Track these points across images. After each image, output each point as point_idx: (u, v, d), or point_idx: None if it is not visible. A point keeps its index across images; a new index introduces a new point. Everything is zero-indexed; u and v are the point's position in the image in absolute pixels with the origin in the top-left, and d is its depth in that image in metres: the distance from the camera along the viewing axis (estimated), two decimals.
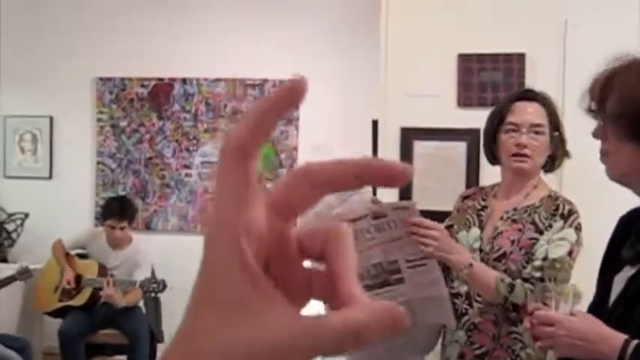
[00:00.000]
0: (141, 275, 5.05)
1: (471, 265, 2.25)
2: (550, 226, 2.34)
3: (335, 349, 0.38)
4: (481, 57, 3.66)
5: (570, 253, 2.30)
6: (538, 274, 2.27)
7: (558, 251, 2.29)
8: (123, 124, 6.22)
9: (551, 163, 2.46)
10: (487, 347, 2.36)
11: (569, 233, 2.32)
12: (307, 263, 0.43)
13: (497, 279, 2.25)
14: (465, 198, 2.59)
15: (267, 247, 0.41)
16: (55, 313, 5.29)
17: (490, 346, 2.36)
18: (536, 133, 2.38)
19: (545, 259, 2.29)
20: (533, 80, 3.54)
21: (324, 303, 0.42)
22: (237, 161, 0.40)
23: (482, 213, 2.48)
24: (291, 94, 0.40)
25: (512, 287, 2.25)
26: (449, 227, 2.50)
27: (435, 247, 2.15)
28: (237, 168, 0.40)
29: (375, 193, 3.01)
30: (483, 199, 2.51)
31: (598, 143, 1.76)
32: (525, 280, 2.28)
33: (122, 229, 5.14)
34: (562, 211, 2.35)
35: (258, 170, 0.41)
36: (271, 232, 0.41)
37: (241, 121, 0.40)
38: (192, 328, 0.41)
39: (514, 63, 3.63)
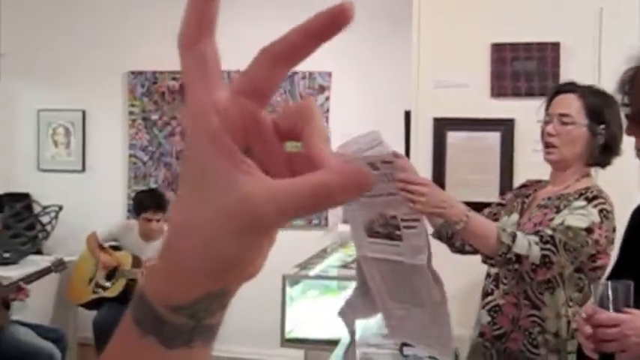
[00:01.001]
0: None
1: (467, 216, 2.10)
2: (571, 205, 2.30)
3: (305, 210, 0.39)
4: (514, 46, 3.63)
5: (589, 231, 2.21)
6: (549, 232, 2.18)
7: (575, 221, 2.21)
8: (154, 117, 6.26)
9: (598, 157, 2.39)
10: (506, 329, 2.36)
11: (592, 212, 2.24)
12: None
13: (498, 228, 2.15)
14: (522, 187, 2.61)
15: (242, 129, 0.42)
16: (90, 305, 5.35)
17: (509, 328, 2.35)
18: (563, 123, 2.35)
19: (560, 224, 2.21)
20: (568, 70, 3.50)
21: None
22: (187, 48, 0.42)
23: (526, 200, 2.49)
24: None
25: (514, 236, 2.13)
26: (499, 204, 2.56)
27: (423, 203, 1.94)
28: (190, 53, 0.42)
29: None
30: (535, 190, 2.51)
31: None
32: (535, 233, 2.20)
33: (158, 221, 5.18)
34: (587, 195, 2.31)
35: (217, 53, 0.43)
36: (244, 115, 0.42)
37: (182, 21, 0.43)
38: (177, 209, 0.43)
39: (548, 52, 3.59)
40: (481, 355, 2.44)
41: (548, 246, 2.14)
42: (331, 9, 0.40)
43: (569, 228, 2.19)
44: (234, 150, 0.40)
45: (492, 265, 2.30)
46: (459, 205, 2.12)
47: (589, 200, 2.28)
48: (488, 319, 2.41)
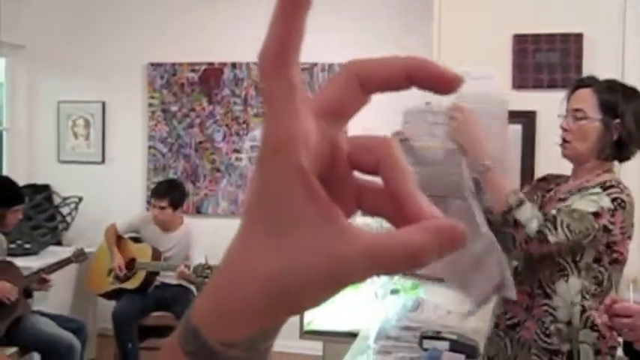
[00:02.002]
0: (195, 255, 5.11)
1: (489, 160, 2.17)
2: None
3: (395, 269, 0.37)
4: (536, 37, 3.58)
5: (596, 215, 2.20)
6: (553, 212, 2.21)
7: (583, 205, 2.23)
8: (174, 108, 6.27)
9: (615, 152, 2.37)
10: (520, 318, 2.36)
11: (603, 199, 2.24)
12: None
13: (511, 188, 2.22)
14: (541, 180, 2.60)
15: (320, 158, 0.39)
16: (109, 295, 5.39)
17: (523, 317, 2.36)
18: (575, 118, 2.34)
19: (567, 206, 2.23)
20: (592, 61, 3.45)
21: (372, 217, 0.41)
22: (276, 75, 0.38)
23: (546, 195, 2.49)
24: None
25: (521, 202, 2.18)
26: None
27: (454, 128, 2.13)
28: (280, 82, 0.37)
29: None
30: (557, 184, 2.50)
31: None
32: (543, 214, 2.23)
33: (162, 208, 5.18)
34: (605, 185, 2.29)
35: (301, 77, 0.38)
36: (323, 142, 0.39)
37: (267, 36, 0.38)
38: (244, 248, 0.39)
39: (571, 43, 3.54)
40: (495, 345, 2.44)
41: (547, 224, 2.17)
42: (440, 72, 0.39)
43: (574, 210, 2.21)
44: (323, 195, 0.38)
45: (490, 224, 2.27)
46: (486, 148, 2.19)
47: (604, 189, 2.28)
48: (503, 309, 2.42)
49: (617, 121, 2.33)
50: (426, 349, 2.54)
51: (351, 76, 0.39)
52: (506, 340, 2.41)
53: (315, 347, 3.88)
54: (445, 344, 2.52)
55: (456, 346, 2.51)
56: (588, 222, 2.19)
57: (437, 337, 2.56)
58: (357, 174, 0.41)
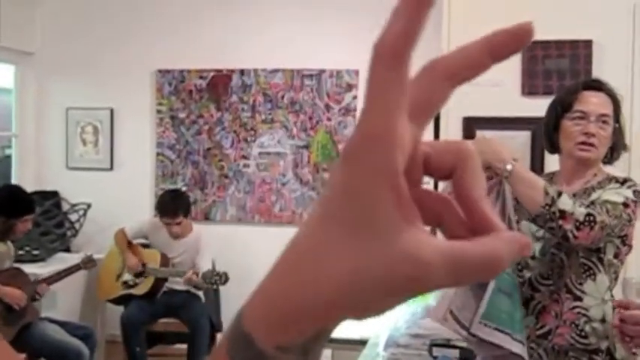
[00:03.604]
0: (203, 261, 5.11)
1: (515, 159, 2.16)
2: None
3: (473, 277, 0.37)
4: (546, 44, 3.58)
5: (626, 206, 2.23)
6: (586, 203, 2.21)
7: (612, 196, 2.24)
8: (182, 115, 6.28)
9: (610, 155, 2.43)
10: (550, 326, 2.35)
11: (626, 192, 2.28)
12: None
13: (545, 182, 2.21)
14: None
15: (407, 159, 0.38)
16: (118, 301, 5.39)
17: (553, 324, 2.35)
18: (604, 122, 2.35)
19: (597, 199, 2.24)
20: (601, 68, 3.45)
21: (430, 227, 0.40)
22: (391, 67, 0.36)
23: None
24: None
25: (560, 193, 2.16)
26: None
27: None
28: (393, 74, 0.36)
29: None
30: (550, 179, 2.49)
31: None
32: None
33: (178, 224, 5.19)
34: (617, 179, 2.35)
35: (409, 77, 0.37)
36: (410, 142, 0.38)
37: (387, 26, 0.36)
38: (318, 244, 0.38)
39: (580, 50, 3.54)
40: (529, 357, 2.42)
41: (591, 207, 2.17)
42: (512, 28, 0.38)
43: (606, 201, 2.22)
44: (409, 199, 0.37)
45: (534, 221, 2.25)
46: (504, 151, 2.17)
47: (621, 183, 2.33)
48: (533, 320, 2.40)
49: (617, 125, 2.39)
50: (435, 357, 2.53)
51: (435, 70, 0.39)
52: (539, 351, 2.39)
53: (324, 354, 3.85)
54: (455, 352, 2.51)
55: (465, 354, 2.50)
56: (619, 210, 2.22)
57: (447, 344, 2.55)
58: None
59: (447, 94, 0.39)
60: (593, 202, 2.21)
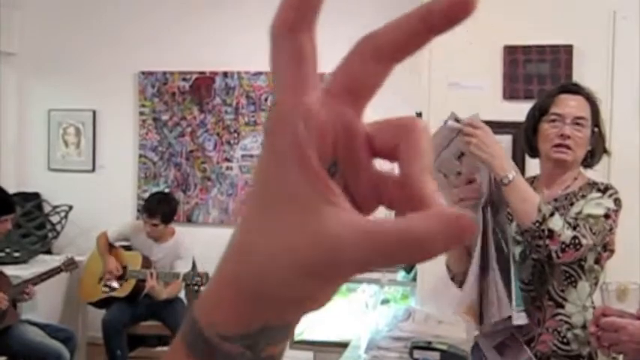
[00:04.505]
0: (182, 267, 5.09)
1: (515, 171, 2.19)
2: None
3: (393, 258, 0.33)
4: (527, 49, 3.61)
5: (607, 217, 2.26)
6: (570, 220, 2.22)
7: (593, 209, 2.26)
8: (165, 117, 6.26)
9: (590, 159, 2.44)
10: (533, 333, 2.35)
11: (607, 201, 2.30)
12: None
13: (540, 199, 2.23)
14: None
15: (333, 140, 0.36)
16: (99, 304, 5.37)
17: (536, 331, 2.35)
18: (579, 125, 2.36)
19: (579, 213, 2.26)
20: (581, 72, 3.47)
21: (396, 213, 0.37)
22: (282, 37, 0.35)
23: None
24: None
25: (553, 212, 2.18)
26: None
27: (474, 143, 2.15)
28: (284, 44, 0.35)
29: None
30: (531, 183, 2.50)
31: None
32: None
33: (154, 225, 5.16)
34: (599, 187, 2.37)
35: (316, 48, 0.35)
36: (337, 123, 0.36)
37: (280, 2, 0.35)
38: (241, 231, 0.37)
39: (561, 55, 3.57)
40: None
41: (578, 229, 2.19)
42: (453, 1, 0.35)
43: (589, 215, 2.24)
44: (322, 175, 0.34)
45: (521, 235, 2.29)
46: (508, 160, 2.23)
47: (602, 191, 2.34)
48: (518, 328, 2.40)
49: (596, 129, 2.40)
50: (416, 359, 2.54)
51: (364, 48, 0.36)
52: None
53: (306, 357, 3.86)
54: (436, 354, 2.52)
55: (446, 357, 2.51)
56: (602, 224, 2.24)
57: (428, 347, 2.57)
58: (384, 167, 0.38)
59: (382, 75, 0.36)
60: (576, 219, 2.22)
